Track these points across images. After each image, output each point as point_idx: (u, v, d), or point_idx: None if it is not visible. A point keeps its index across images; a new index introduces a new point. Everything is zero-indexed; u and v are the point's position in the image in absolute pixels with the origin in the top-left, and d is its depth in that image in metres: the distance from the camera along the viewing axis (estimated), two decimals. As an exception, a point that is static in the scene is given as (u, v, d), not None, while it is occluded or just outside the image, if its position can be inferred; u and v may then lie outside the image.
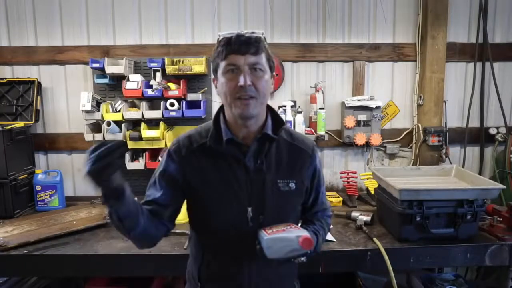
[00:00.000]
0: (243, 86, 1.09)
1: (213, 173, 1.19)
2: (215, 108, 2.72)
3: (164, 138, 2.45)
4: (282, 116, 2.39)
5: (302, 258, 1.17)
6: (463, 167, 2.74)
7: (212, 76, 1.20)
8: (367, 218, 2.13)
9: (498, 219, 2.00)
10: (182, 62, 2.57)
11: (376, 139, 2.67)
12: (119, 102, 2.53)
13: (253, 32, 1.13)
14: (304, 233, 1.08)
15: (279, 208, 1.21)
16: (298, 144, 1.26)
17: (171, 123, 2.65)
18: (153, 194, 1.23)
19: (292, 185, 1.22)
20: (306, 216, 1.37)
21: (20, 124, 2.49)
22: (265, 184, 1.19)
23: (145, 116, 2.46)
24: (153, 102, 2.59)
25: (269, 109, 1.24)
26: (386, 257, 1.78)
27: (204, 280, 1.26)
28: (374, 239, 1.89)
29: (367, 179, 2.59)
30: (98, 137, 2.45)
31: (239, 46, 1.10)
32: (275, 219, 1.18)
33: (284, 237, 1.06)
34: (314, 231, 1.28)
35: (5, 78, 2.60)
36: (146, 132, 2.42)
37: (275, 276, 1.27)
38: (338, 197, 2.55)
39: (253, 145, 1.18)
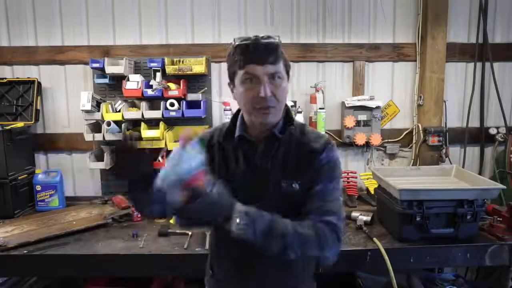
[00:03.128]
0: (264, 98, 1.09)
1: (222, 166, 1.24)
2: (215, 108, 2.72)
3: (164, 138, 2.45)
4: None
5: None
6: (463, 167, 2.74)
7: (228, 81, 1.22)
8: (367, 218, 2.13)
9: (498, 219, 2.00)
10: (182, 62, 2.57)
11: (376, 139, 2.67)
12: (119, 102, 2.53)
13: (269, 37, 1.11)
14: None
15: (280, 208, 1.17)
16: (308, 142, 1.22)
17: (171, 123, 2.65)
18: None
19: (296, 185, 1.19)
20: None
21: (20, 124, 2.49)
22: (269, 183, 1.20)
23: (145, 116, 2.46)
24: (153, 102, 2.59)
25: (284, 107, 1.24)
26: (386, 257, 1.78)
27: (215, 269, 1.34)
28: (374, 239, 1.89)
29: (367, 179, 2.59)
30: (98, 137, 2.45)
31: (257, 55, 1.09)
32: None
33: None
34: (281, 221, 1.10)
35: (5, 78, 2.60)
36: (146, 132, 2.42)
37: (280, 276, 1.25)
38: (338, 197, 2.55)
39: (261, 144, 1.22)
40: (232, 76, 1.18)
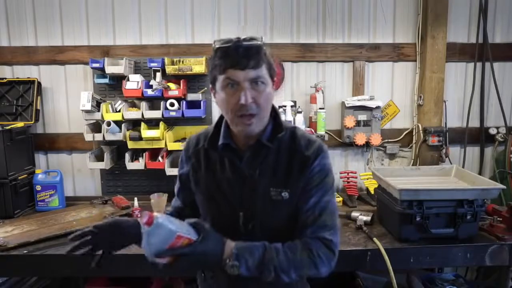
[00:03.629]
0: (245, 105, 1.04)
1: (208, 175, 1.21)
2: (215, 108, 2.72)
3: (164, 138, 2.45)
4: (282, 116, 2.38)
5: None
6: (463, 167, 2.74)
7: (210, 86, 1.17)
8: (367, 218, 2.13)
9: (498, 219, 2.00)
10: (182, 62, 2.57)
11: (376, 139, 2.67)
12: (119, 102, 2.53)
13: (251, 39, 1.05)
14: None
15: (269, 217, 1.15)
16: (300, 149, 1.16)
17: (171, 123, 2.65)
18: (181, 197, 1.34)
19: (285, 194, 1.14)
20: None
21: (20, 124, 2.49)
22: (257, 191, 1.14)
23: (145, 116, 2.46)
24: (153, 102, 2.59)
25: (274, 112, 1.18)
26: (386, 257, 1.78)
27: (206, 274, 1.29)
28: (374, 239, 1.89)
29: (367, 179, 2.59)
30: (98, 137, 2.45)
31: (238, 60, 1.02)
32: (265, 226, 1.15)
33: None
34: (273, 247, 1.08)
35: (5, 78, 2.60)
36: (146, 132, 2.42)
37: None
38: (338, 197, 2.55)
39: (248, 151, 1.16)
40: (213, 81, 1.11)
